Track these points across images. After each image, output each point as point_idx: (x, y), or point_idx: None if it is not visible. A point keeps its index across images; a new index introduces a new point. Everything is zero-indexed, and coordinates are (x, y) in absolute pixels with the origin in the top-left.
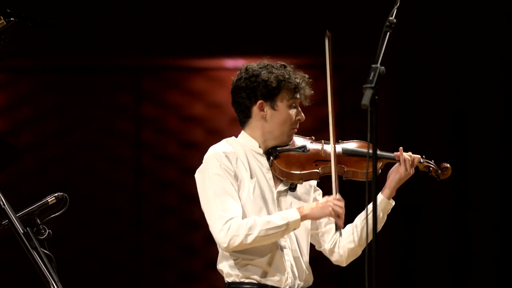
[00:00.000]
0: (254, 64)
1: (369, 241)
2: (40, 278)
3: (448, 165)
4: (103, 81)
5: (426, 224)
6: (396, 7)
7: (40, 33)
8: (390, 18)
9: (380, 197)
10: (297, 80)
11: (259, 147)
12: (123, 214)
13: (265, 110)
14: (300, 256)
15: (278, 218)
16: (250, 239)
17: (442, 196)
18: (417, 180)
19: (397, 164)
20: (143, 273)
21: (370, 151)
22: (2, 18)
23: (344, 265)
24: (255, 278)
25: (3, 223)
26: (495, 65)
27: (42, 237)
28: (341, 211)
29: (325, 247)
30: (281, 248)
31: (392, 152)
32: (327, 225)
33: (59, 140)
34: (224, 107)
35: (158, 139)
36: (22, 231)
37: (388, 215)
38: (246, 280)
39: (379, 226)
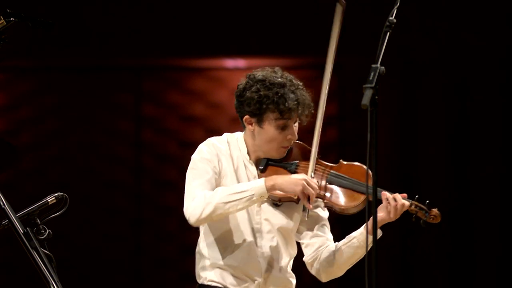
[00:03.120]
0: (257, 73)
1: (351, 263)
2: (40, 278)
3: (438, 213)
4: (103, 81)
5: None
6: (396, 7)
7: (40, 33)
8: (390, 18)
9: (360, 230)
10: (289, 102)
11: (248, 154)
12: (123, 214)
13: (253, 125)
14: (278, 260)
15: (242, 184)
16: (210, 207)
17: (443, 196)
18: (417, 180)
19: (384, 203)
20: (143, 273)
21: (363, 188)
22: (2, 18)
23: (323, 281)
24: (222, 282)
25: (3, 223)
26: (495, 65)
27: (42, 237)
28: (312, 193)
29: (304, 259)
30: (256, 250)
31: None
32: (313, 238)
33: (59, 140)
34: (224, 107)
35: (158, 139)
36: (22, 231)
37: None
38: (213, 284)
39: (357, 258)
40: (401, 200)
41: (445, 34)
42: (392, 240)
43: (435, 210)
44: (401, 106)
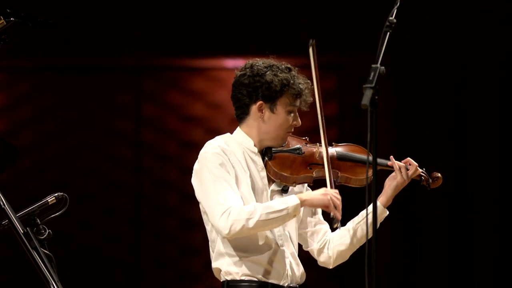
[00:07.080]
0: (259, 62)
1: (363, 242)
2: (40, 278)
3: (439, 174)
4: (103, 81)
5: (426, 225)
6: (396, 7)
7: (40, 33)
8: (390, 18)
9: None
10: (301, 86)
11: (254, 146)
12: (123, 214)
13: (263, 111)
14: (295, 252)
15: (278, 203)
16: (251, 223)
17: (442, 197)
18: (415, 180)
19: (393, 172)
20: (143, 273)
21: (367, 157)
22: (2, 18)
23: (331, 267)
24: (256, 275)
25: (3, 223)
26: (495, 65)
27: (42, 237)
28: (339, 202)
29: (313, 247)
30: (279, 245)
31: (388, 158)
32: (317, 225)
33: (59, 140)
34: (224, 107)
35: (158, 139)
36: (22, 231)
37: (388, 216)
38: (246, 278)
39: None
40: (413, 162)
41: (445, 34)
42: (393, 241)
43: (435, 173)
44: (401, 106)
